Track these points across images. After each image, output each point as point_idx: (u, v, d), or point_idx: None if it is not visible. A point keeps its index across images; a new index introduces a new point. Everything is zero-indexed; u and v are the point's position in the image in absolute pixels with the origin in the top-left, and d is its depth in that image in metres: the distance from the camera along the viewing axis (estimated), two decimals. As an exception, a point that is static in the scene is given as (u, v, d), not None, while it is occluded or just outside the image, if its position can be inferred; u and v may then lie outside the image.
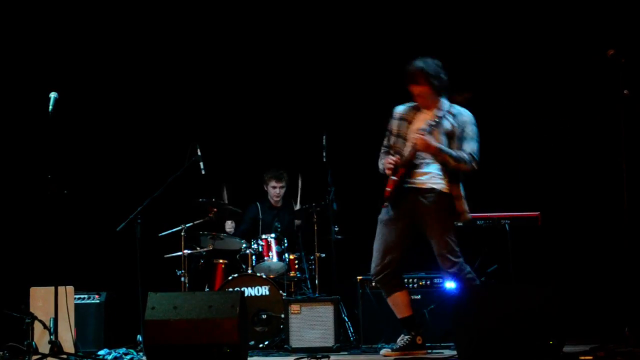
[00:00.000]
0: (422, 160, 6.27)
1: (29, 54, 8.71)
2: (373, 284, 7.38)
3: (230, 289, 7.60)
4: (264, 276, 7.77)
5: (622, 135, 6.05)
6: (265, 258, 7.95)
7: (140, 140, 8.87)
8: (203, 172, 7.68)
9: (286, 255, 8.01)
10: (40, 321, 6.76)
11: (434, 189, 6.24)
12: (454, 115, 6.27)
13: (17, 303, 7.04)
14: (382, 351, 6.46)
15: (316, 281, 7.80)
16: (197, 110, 8.91)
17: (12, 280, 7.99)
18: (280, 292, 7.66)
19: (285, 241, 8.06)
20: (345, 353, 7.07)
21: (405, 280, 7.35)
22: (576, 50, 8.12)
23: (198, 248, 8.01)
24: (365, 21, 8.72)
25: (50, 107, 6.53)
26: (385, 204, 6.35)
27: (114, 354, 7.12)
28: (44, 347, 6.62)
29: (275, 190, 8.47)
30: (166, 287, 7.31)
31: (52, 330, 6.60)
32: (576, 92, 8.22)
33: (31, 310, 6.87)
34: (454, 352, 6.16)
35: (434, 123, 6.22)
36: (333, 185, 7.68)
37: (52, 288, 6.43)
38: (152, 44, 8.88)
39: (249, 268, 7.89)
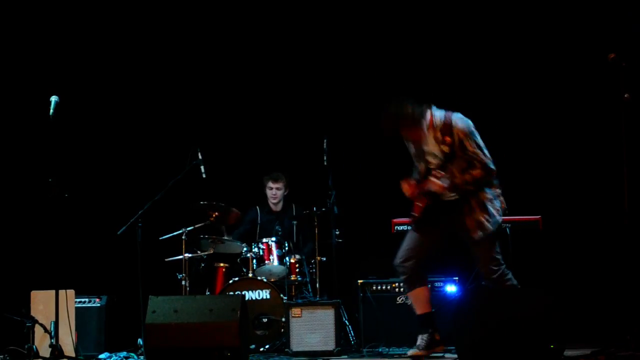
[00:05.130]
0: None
1: (30, 58, 8.72)
2: (373, 287, 7.40)
3: (231, 293, 7.59)
4: (264, 280, 7.76)
5: (623, 138, 6.05)
6: (266, 262, 7.94)
7: (141, 143, 8.86)
8: (204, 175, 7.68)
9: (287, 258, 8.00)
10: (41, 325, 6.77)
11: None
12: (447, 128, 6.17)
13: (17, 307, 7.05)
14: (410, 352, 6.43)
15: (317, 285, 7.80)
16: (198, 114, 8.91)
17: (12, 284, 7.99)
18: (281, 295, 7.65)
19: (286, 245, 8.06)
20: (346, 357, 7.07)
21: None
22: (577, 54, 8.12)
23: (199, 252, 8.01)
24: (366, 23, 8.72)
25: (51, 111, 6.55)
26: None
27: (114, 357, 7.13)
28: (44, 351, 6.63)
29: (272, 191, 8.46)
30: (167, 291, 7.30)
31: (52, 334, 6.61)
32: (577, 96, 8.21)
33: (32, 314, 6.88)
34: (455, 356, 6.15)
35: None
36: (334, 188, 7.67)
37: (53, 292, 6.44)
38: (153, 47, 8.88)
39: (250, 272, 7.88)
